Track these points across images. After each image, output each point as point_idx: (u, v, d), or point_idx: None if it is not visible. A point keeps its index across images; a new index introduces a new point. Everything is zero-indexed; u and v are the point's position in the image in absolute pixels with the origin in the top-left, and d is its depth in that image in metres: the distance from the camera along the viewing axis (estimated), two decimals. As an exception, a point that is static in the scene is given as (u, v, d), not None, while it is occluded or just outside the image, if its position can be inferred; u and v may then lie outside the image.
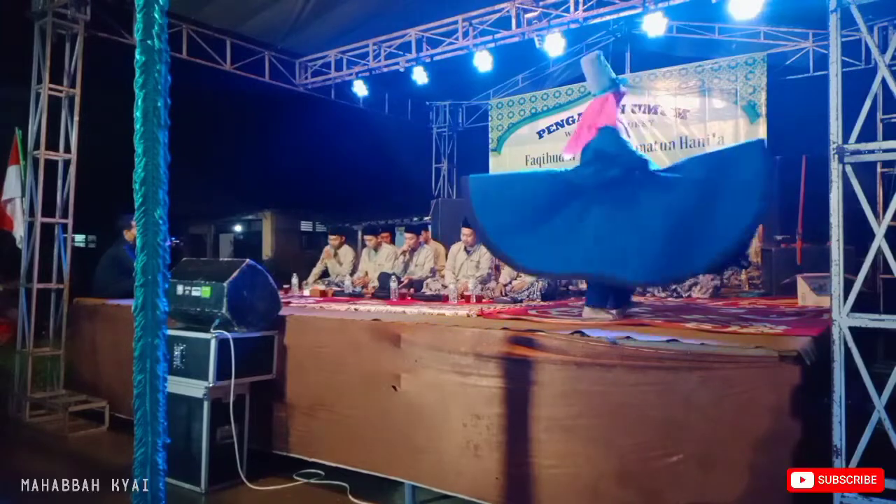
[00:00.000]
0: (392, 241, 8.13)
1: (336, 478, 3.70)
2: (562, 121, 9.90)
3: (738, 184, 3.29)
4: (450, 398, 3.30)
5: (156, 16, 1.58)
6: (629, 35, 9.18)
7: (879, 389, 2.44)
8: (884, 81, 2.55)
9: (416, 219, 11.18)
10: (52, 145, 5.81)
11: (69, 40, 5.93)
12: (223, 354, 3.69)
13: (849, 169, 2.55)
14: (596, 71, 4.00)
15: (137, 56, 1.58)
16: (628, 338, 2.89)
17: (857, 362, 2.46)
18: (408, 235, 6.95)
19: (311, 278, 7.17)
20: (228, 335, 3.72)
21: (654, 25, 7.17)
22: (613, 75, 4.06)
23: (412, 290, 6.05)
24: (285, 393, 4.00)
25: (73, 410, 5.10)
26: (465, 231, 6.10)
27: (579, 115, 9.65)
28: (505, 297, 5.35)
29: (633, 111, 9.07)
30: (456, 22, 7.63)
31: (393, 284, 5.69)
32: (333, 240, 7.42)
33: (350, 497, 3.55)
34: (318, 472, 3.82)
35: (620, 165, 3.72)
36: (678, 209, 3.40)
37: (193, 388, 3.72)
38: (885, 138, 3.28)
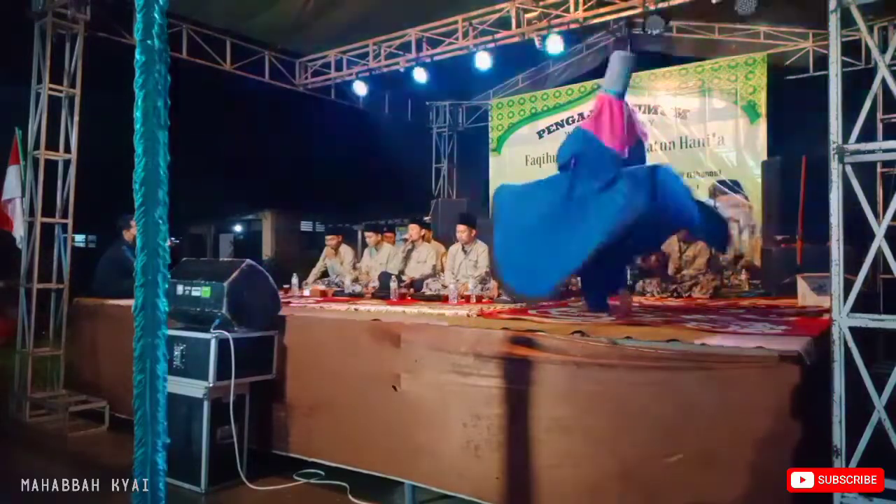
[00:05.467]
0: (394, 242, 8.13)
1: (336, 478, 3.70)
2: (562, 121, 9.89)
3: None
4: (450, 398, 3.30)
5: (156, 16, 1.58)
6: (629, 35, 9.17)
7: (879, 389, 2.43)
8: (884, 81, 2.55)
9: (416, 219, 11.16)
10: (52, 145, 5.80)
11: (69, 40, 5.93)
12: (223, 354, 3.69)
13: (849, 169, 2.54)
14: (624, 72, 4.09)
15: (137, 56, 1.58)
16: (628, 338, 2.89)
17: (857, 362, 2.46)
18: (412, 225, 6.94)
19: (311, 278, 7.16)
20: (228, 335, 3.72)
21: (654, 25, 7.16)
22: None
23: (412, 290, 6.05)
24: (285, 393, 4.00)
25: (73, 410, 5.10)
26: (460, 228, 6.11)
27: (580, 114, 9.68)
28: (504, 298, 5.34)
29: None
30: (456, 22, 7.62)
31: (393, 284, 5.69)
32: (330, 240, 7.44)
33: (350, 497, 3.55)
34: (318, 472, 3.82)
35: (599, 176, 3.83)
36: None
37: (193, 388, 3.72)
38: (885, 138, 3.29)
